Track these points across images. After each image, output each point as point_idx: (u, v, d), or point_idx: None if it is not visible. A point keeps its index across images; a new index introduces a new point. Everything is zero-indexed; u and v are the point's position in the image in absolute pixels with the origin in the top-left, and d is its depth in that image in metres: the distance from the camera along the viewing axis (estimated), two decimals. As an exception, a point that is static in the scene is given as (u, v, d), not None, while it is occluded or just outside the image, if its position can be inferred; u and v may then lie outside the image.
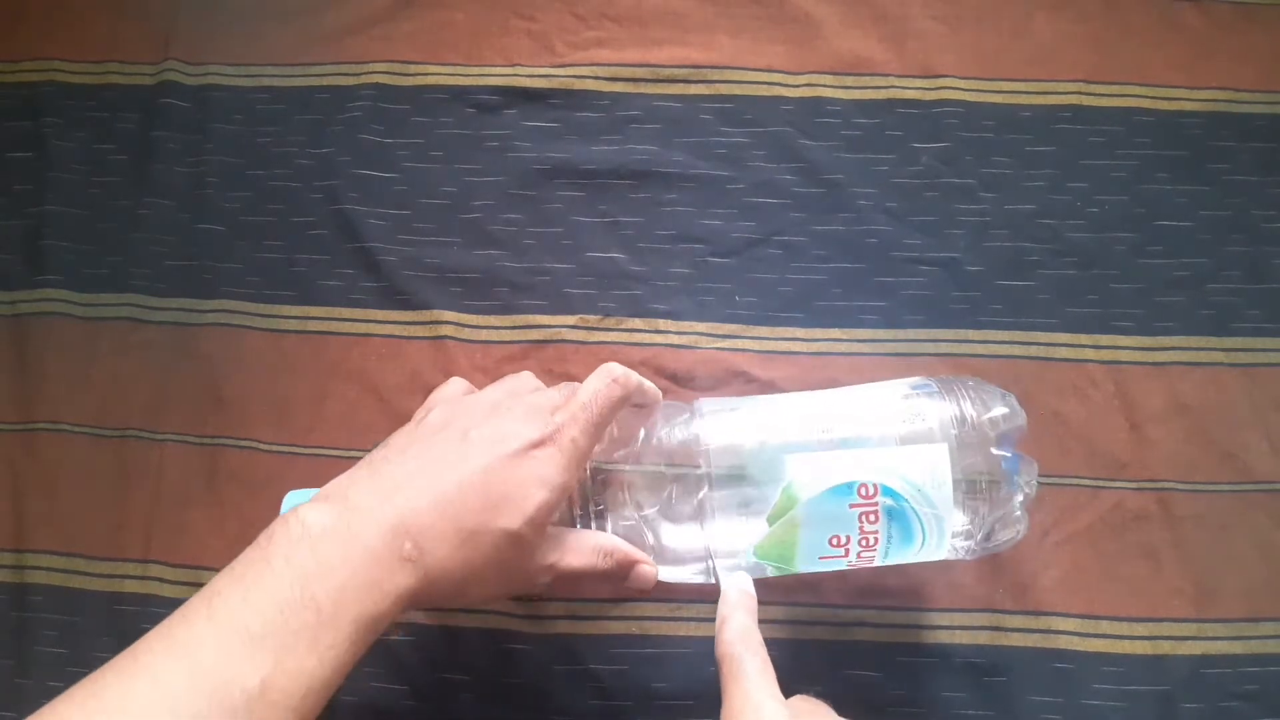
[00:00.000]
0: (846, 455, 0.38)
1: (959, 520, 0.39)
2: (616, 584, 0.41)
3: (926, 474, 0.37)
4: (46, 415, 0.51)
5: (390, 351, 0.52)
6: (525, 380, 0.43)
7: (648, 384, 0.43)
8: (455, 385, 0.44)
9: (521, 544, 0.37)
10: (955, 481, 0.38)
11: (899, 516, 0.38)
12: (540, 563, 0.38)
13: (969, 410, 0.40)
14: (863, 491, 0.37)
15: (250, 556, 0.34)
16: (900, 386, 0.41)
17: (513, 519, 0.36)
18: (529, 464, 0.37)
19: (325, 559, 0.33)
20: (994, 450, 0.39)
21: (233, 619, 0.32)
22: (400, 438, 0.40)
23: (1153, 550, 0.47)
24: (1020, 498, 0.40)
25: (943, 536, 0.38)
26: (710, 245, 0.53)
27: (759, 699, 0.33)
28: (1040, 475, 0.48)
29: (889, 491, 0.37)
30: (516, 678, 0.47)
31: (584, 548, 0.40)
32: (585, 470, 0.41)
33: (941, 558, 0.40)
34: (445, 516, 0.36)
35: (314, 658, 0.32)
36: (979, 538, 0.40)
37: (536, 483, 0.37)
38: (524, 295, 0.52)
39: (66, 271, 0.54)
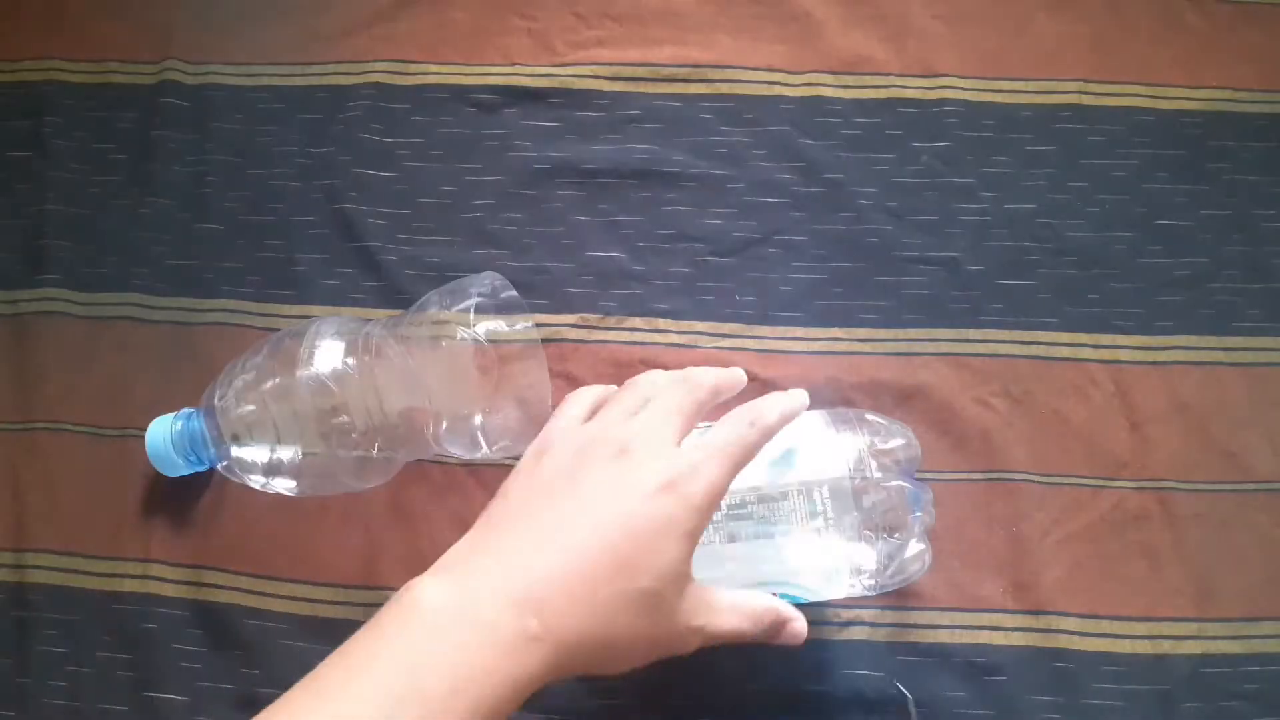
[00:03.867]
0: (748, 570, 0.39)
1: (866, 557, 0.39)
2: (767, 639, 0.38)
3: (822, 578, 0.39)
4: (46, 415, 0.51)
5: (390, 351, 0.52)
6: (643, 390, 0.39)
7: (777, 413, 0.38)
8: (574, 406, 0.40)
9: (661, 604, 0.34)
10: (854, 519, 0.38)
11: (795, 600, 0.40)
12: (687, 624, 0.35)
13: (865, 445, 0.40)
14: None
15: (359, 639, 0.32)
16: (807, 442, 0.40)
17: (648, 577, 0.33)
18: (658, 514, 0.34)
19: (437, 643, 0.31)
20: (893, 483, 0.39)
21: (334, 710, 0.30)
22: (518, 487, 0.36)
23: (1153, 550, 0.47)
24: (920, 528, 0.40)
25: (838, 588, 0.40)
26: (710, 244, 0.53)
27: None
28: (1040, 475, 0.48)
29: (784, 596, 0.39)
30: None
31: (738, 609, 0.36)
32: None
33: (844, 595, 0.41)
34: (575, 585, 0.32)
35: None
36: (884, 573, 0.40)
37: (669, 532, 0.33)
38: (524, 294, 0.52)
39: (66, 271, 0.54)
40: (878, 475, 0.39)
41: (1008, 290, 0.51)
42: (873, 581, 0.40)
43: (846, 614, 0.46)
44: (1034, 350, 0.50)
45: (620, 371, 0.50)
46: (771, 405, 0.38)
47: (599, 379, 0.50)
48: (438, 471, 0.49)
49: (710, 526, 0.38)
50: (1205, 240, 0.52)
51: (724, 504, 0.38)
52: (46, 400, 0.52)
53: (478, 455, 0.45)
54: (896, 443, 0.40)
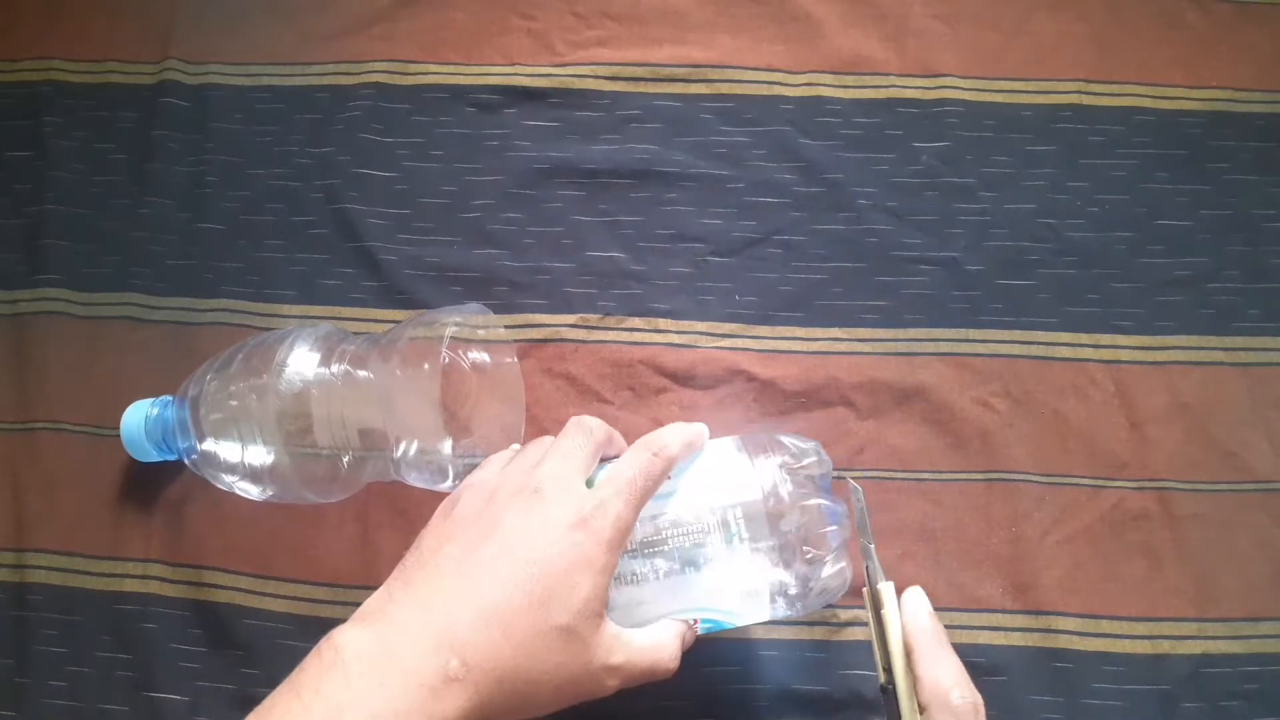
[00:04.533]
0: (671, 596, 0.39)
1: (786, 578, 0.39)
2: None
3: (743, 602, 0.39)
4: (46, 415, 0.51)
5: (390, 351, 0.52)
6: (547, 444, 0.40)
7: (679, 441, 0.39)
8: (485, 468, 0.41)
9: (576, 639, 0.34)
10: (770, 543, 0.38)
11: (717, 627, 0.40)
12: (604, 663, 0.35)
13: (778, 467, 0.40)
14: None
15: (281, 690, 0.32)
16: (724, 471, 0.40)
17: (562, 613, 0.34)
18: (569, 551, 0.34)
19: (358, 688, 0.31)
20: (808, 502, 0.39)
21: None
22: (431, 536, 0.37)
23: (1153, 550, 0.47)
24: (837, 543, 0.39)
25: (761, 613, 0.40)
26: (710, 244, 0.53)
27: None
28: (1040, 475, 0.48)
29: (706, 622, 0.40)
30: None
31: (657, 647, 0.37)
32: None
33: (767, 618, 0.40)
34: (491, 624, 0.33)
35: None
36: (807, 592, 0.40)
37: (582, 568, 0.34)
38: (524, 294, 0.52)
39: (66, 271, 0.54)
40: (792, 496, 0.39)
41: (1008, 290, 0.51)
42: (798, 603, 0.40)
43: (846, 614, 0.46)
44: (1034, 350, 0.50)
45: (620, 371, 0.50)
46: (672, 434, 0.39)
47: (599, 379, 0.50)
48: (437, 471, 0.49)
49: (625, 559, 0.38)
50: (1205, 240, 0.52)
51: (637, 538, 0.38)
52: (46, 400, 0.52)
53: (441, 487, 0.44)
54: (808, 460, 0.40)
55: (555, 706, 0.36)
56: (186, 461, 0.46)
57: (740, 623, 0.40)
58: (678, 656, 0.38)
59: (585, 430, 0.39)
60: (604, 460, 0.40)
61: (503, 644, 0.33)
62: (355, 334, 0.48)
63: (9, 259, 0.54)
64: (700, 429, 0.40)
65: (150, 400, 0.47)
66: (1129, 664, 0.45)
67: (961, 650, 0.45)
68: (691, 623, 0.39)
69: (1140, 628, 0.46)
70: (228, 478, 0.45)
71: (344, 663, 0.32)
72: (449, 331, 0.43)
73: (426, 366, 0.43)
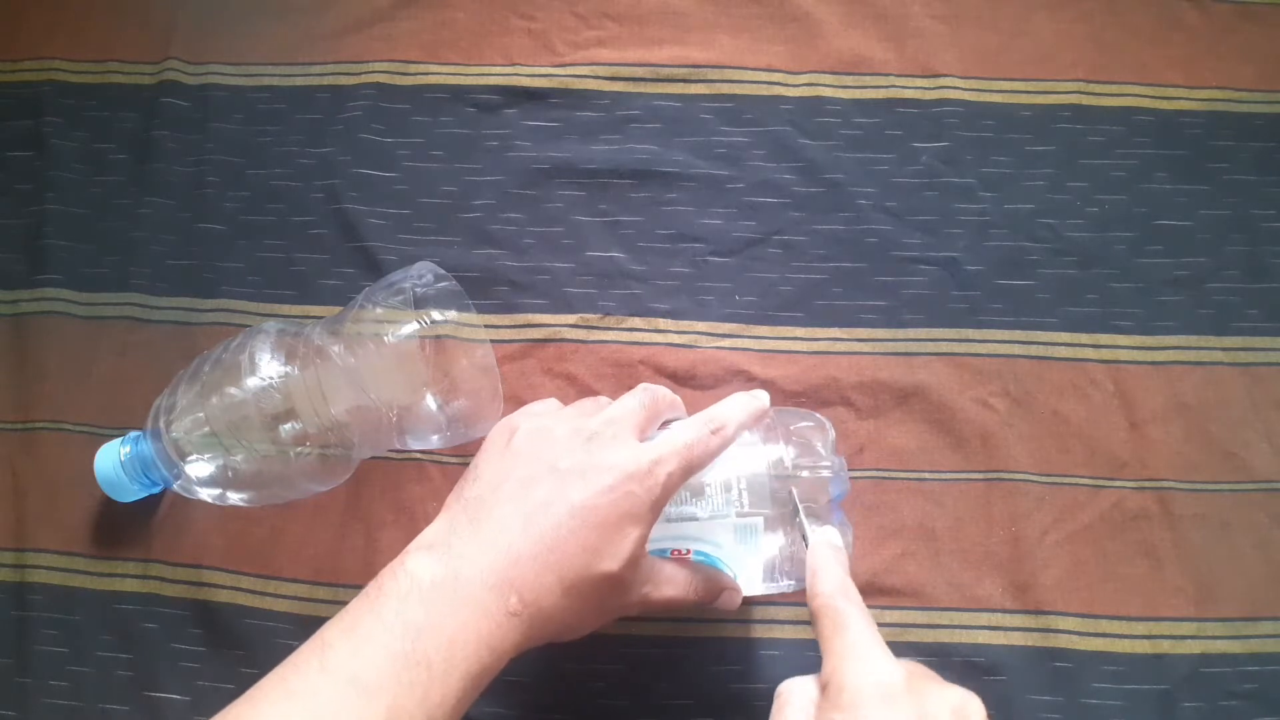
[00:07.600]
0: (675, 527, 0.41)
1: (776, 544, 0.41)
2: (702, 605, 0.41)
3: (736, 539, 0.41)
4: (46, 415, 0.51)
5: (390, 351, 0.52)
6: (604, 402, 0.42)
7: (735, 424, 0.40)
8: (538, 404, 0.43)
9: (620, 583, 0.37)
10: (772, 512, 0.40)
11: (709, 560, 0.42)
12: (635, 595, 0.38)
13: (782, 442, 0.42)
14: (675, 554, 0.41)
15: (359, 609, 0.35)
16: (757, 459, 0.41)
17: (611, 562, 0.36)
18: (622, 501, 0.36)
19: (435, 614, 0.34)
20: (807, 473, 0.41)
21: (345, 670, 0.33)
22: (490, 468, 0.39)
23: (1153, 549, 0.47)
24: (839, 514, 0.41)
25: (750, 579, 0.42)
26: (710, 244, 0.53)
27: (866, 649, 0.32)
28: (1040, 475, 0.48)
29: (700, 554, 0.41)
30: (517, 677, 0.46)
31: (676, 579, 0.40)
32: None
33: (766, 578, 0.42)
34: (547, 567, 0.35)
35: (423, 712, 0.33)
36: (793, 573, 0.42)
37: (631, 520, 0.36)
38: (524, 294, 0.52)
39: (67, 271, 0.54)
40: (795, 468, 0.41)
41: (1007, 290, 0.51)
42: (797, 572, 0.41)
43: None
44: (1034, 350, 0.50)
45: (620, 371, 0.51)
46: (734, 416, 0.40)
47: (599, 379, 0.50)
48: (436, 471, 0.49)
49: None
50: (1205, 240, 0.52)
51: None
52: (46, 400, 0.52)
53: (440, 444, 0.46)
54: (805, 425, 0.42)
55: (590, 630, 0.39)
56: (174, 488, 0.46)
57: (732, 560, 0.41)
58: (699, 590, 0.40)
59: (650, 393, 0.41)
60: (665, 424, 0.42)
61: (555, 586, 0.36)
62: (302, 319, 0.49)
63: (9, 259, 0.54)
64: (761, 407, 0.41)
65: (117, 440, 0.46)
66: (1128, 664, 0.45)
67: (961, 650, 0.46)
68: (685, 552, 0.41)
69: (1140, 627, 0.46)
70: (217, 491, 0.45)
71: (420, 589, 0.34)
72: (410, 294, 0.45)
73: (397, 328, 0.44)
